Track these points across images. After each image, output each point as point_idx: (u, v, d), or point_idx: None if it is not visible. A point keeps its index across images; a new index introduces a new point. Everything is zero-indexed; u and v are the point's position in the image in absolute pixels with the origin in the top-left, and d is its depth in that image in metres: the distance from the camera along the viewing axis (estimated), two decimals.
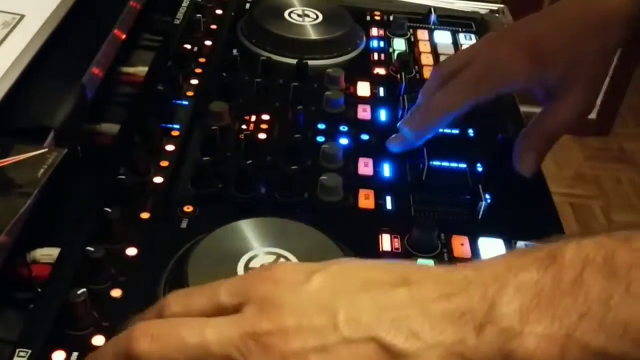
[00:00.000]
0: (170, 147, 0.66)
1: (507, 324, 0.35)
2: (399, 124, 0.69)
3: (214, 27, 0.86)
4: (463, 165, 0.68)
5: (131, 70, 0.80)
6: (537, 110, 0.67)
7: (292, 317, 0.38)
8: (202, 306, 0.42)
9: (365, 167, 0.67)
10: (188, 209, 0.60)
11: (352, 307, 0.38)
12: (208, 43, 0.82)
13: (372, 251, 0.58)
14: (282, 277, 0.41)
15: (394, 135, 0.69)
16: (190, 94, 0.74)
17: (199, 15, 0.85)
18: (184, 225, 0.58)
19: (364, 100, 0.76)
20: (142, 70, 0.79)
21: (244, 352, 0.38)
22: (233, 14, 0.89)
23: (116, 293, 0.52)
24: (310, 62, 0.78)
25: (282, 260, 0.53)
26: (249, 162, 0.63)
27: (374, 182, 0.65)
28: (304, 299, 0.39)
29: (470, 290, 0.37)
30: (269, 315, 0.38)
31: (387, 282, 0.39)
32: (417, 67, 0.83)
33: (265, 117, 0.72)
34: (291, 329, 0.38)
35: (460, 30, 0.91)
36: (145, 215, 0.59)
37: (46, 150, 0.56)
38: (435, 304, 0.37)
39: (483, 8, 0.97)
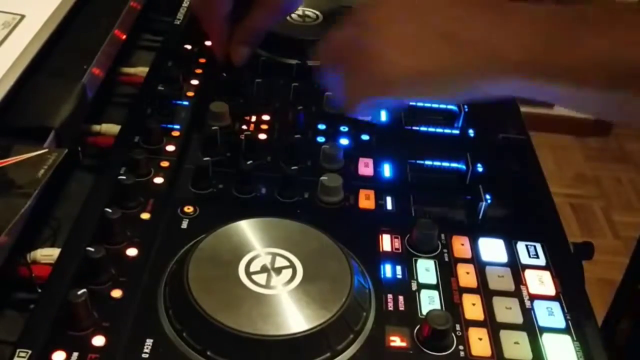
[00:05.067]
0: (170, 147, 0.66)
1: None
2: None
3: None
4: (463, 166, 0.68)
5: (131, 70, 0.80)
6: (538, 110, 0.67)
7: None
8: None
9: (365, 167, 0.67)
10: (188, 209, 0.60)
11: None
12: (208, 43, 0.82)
13: (372, 251, 0.58)
14: None
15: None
16: (190, 94, 0.74)
17: None
18: (184, 225, 0.58)
19: None
20: (142, 70, 0.79)
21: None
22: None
23: (116, 293, 0.52)
24: (310, 62, 0.78)
25: (281, 260, 0.53)
26: (249, 162, 0.63)
27: (374, 182, 0.65)
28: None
29: None
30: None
31: None
32: None
33: (265, 117, 0.72)
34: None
35: None
36: (145, 215, 0.59)
37: (46, 150, 0.56)
38: None
39: None
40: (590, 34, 0.48)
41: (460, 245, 0.59)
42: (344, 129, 0.71)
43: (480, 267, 0.57)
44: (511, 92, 0.55)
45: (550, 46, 0.49)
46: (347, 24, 0.58)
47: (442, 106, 0.76)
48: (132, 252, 0.55)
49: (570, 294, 0.56)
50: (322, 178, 0.63)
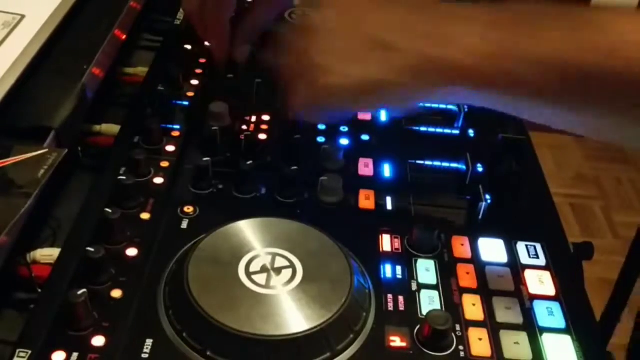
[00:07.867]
0: (170, 147, 0.66)
1: None
2: None
3: None
4: (463, 166, 0.68)
5: (131, 70, 0.80)
6: None
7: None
8: None
9: (365, 167, 0.67)
10: (188, 209, 0.60)
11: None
12: (208, 44, 0.82)
13: (372, 251, 0.58)
14: None
15: None
16: (190, 94, 0.74)
17: None
18: (184, 225, 0.58)
19: None
20: (142, 70, 0.79)
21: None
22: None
23: (116, 293, 0.52)
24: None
25: (281, 260, 0.53)
26: (249, 162, 0.63)
27: (374, 182, 0.65)
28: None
29: None
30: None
31: None
32: None
33: (265, 117, 0.72)
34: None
35: None
36: (145, 215, 0.59)
37: (46, 150, 0.56)
38: None
39: None
40: (531, 35, 0.47)
41: (460, 246, 0.59)
42: (344, 129, 0.71)
43: (480, 267, 0.57)
44: (454, 99, 0.56)
45: (491, 50, 0.48)
46: (295, 30, 0.58)
47: (442, 106, 0.76)
48: (132, 252, 0.55)
49: (570, 294, 0.56)
50: (322, 178, 0.63)
